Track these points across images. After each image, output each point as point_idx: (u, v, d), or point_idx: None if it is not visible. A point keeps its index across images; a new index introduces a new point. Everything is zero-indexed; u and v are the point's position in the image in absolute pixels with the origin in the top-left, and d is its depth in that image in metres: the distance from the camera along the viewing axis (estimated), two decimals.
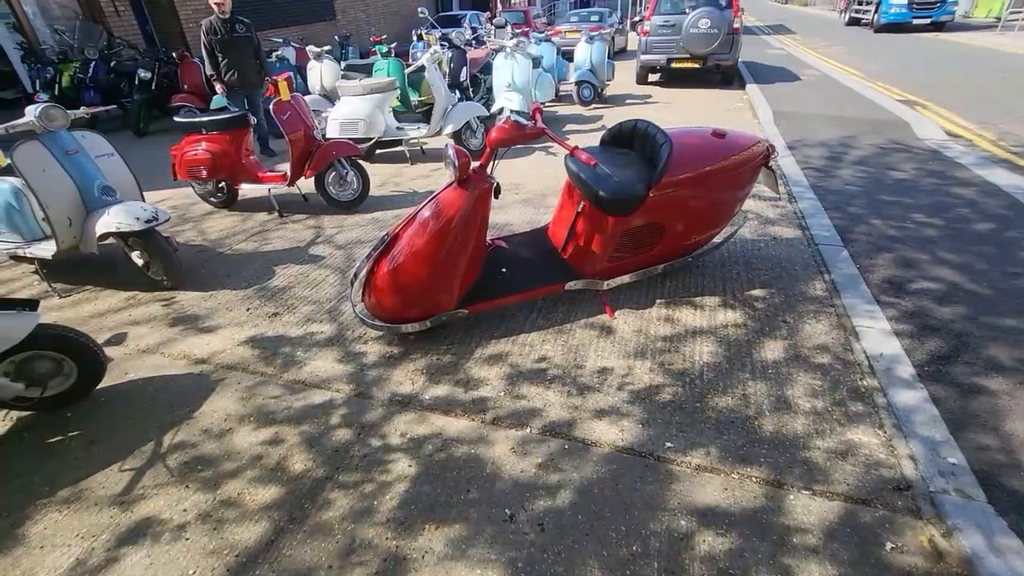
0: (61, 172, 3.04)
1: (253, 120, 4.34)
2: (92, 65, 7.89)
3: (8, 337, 2.06)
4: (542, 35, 8.39)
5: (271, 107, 4.07)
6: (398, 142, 5.82)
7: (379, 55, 6.40)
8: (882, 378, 2.27)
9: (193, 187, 4.64)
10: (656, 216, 2.69)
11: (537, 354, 2.55)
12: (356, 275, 2.63)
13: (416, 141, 5.98)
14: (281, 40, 8.89)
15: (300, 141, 4.23)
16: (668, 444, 2.00)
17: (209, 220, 4.52)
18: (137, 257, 3.22)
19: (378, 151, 6.11)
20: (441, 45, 6.72)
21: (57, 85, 8.02)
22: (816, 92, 8.51)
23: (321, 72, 6.95)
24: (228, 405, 2.33)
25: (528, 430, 2.10)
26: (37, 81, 8.16)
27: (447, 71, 6.51)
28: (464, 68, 6.67)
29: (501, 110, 6.28)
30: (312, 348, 2.69)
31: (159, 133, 7.88)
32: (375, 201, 4.69)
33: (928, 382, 2.26)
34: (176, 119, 4.35)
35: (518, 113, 2.45)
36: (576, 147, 2.39)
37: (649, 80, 10.32)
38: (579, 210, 2.83)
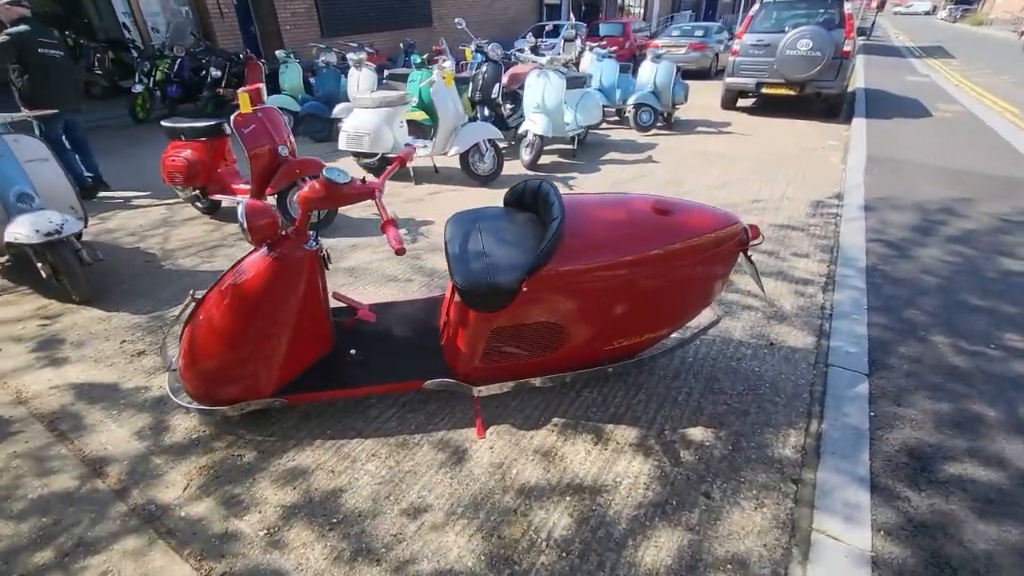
0: None
1: (228, 130, 4.17)
2: (179, 62, 8.52)
3: None
4: (605, 51, 7.59)
5: (232, 119, 3.85)
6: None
7: (415, 66, 6.08)
8: None
9: (176, 192, 4.60)
10: (544, 315, 1.96)
11: (350, 477, 1.95)
12: (164, 341, 2.21)
13: (427, 158, 5.57)
14: (355, 46, 9.00)
15: (263, 157, 3.96)
16: None
17: (183, 227, 4.44)
18: (41, 269, 3.10)
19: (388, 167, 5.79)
20: (476, 58, 6.25)
21: (152, 78, 8.78)
22: (944, 133, 6.80)
23: (359, 80, 6.80)
24: None
25: None
26: (137, 74, 9.00)
27: (479, 84, 6.03)
28: (497, 84, 6.13)
29: (526, 133, 5.68)
30: (128, 410, 2.32)
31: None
32: (345, 224, 4.34)
33: None
34: (163, 123, 4.31)
35: (339, 170, 1.85)
36: (389, 221, 1.74)
37: (737, 106, 9.04)
38: (449, 293, 2.18)
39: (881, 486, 1.86)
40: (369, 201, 1.94)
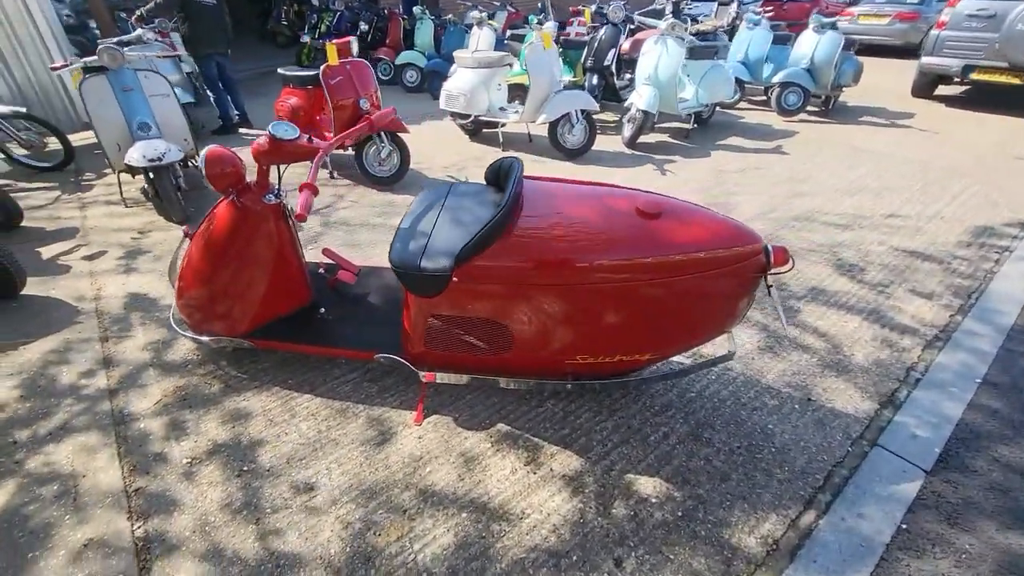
0: (115, 104, 3.57)
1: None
2: (338, 15, 9.29)
3: None
4: (758, 18, 6.49)
5: (321, 69, 4.05)
6: (497, 124, 5.32)
7: (530, 27, 5.85)
8: None
9: None
10: (483, 311, 1.74)
11: (281, 431, 1.99)
12: (171, 267, 2.42)
13: (522, 125, 5.38)
14: (498, 3, 8.97)
15: (346, 108, 4.16)
16: None
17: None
18: (147, 188, 3.63)
19: (484, 130, 5.73)
20: (599, 21, 5.79)
21: (317, 30, 9.73)
22: None
23: (479, 39, 6.74)
24: None
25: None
26: (307, 25, 10.04)
27: (593, 49, 5.59)
28: (613, 50, 5.62)
29: (631, 106, 5.16)
30: (155, 324, 2.64)
31: None
32: (415, 180, 4.41)
33: None
34: (278, 71, 4.71)
35: (287, 126, 1.79)
36: (308, 185, 1.61)
37: (935, 94, 7.20)
38: None
39: None
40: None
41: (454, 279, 1.66)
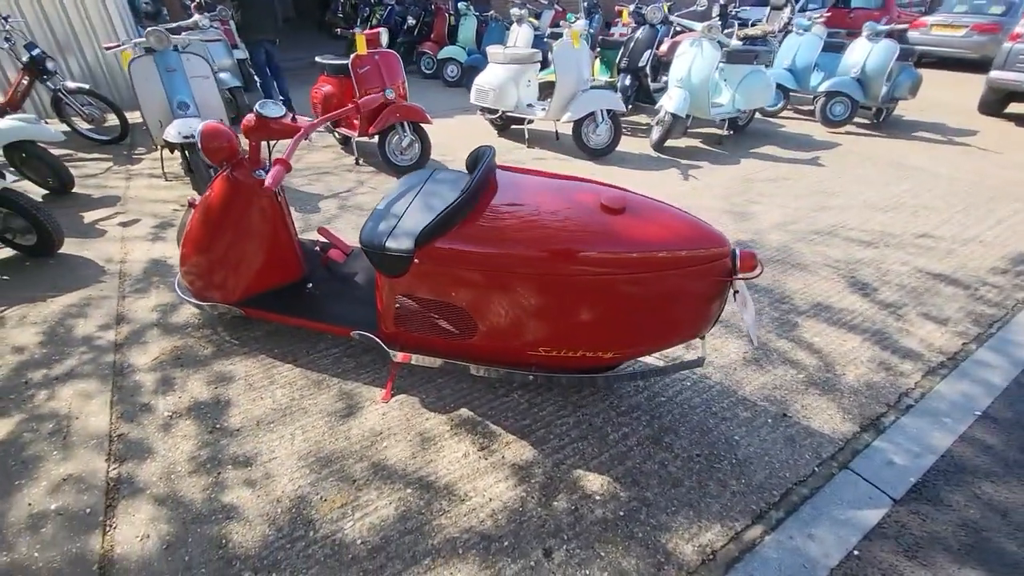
0: (159, 84, 3.83)
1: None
2: (389, 9, 9.56)
3: None
4: (808, 23, 6.22)
5: (351, 59, 4.19)
6: (524, 120, 5.34)
7: (569, 24, 5.83)
8: None
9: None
10: (444, 294, 1.77)
11: (257, 396, 2.09)
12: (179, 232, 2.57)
13: (551, 123, 5.38)
14: (545, 2, 8.99)
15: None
16: None
17: (316, 153, 5.12)
18: (181, 164, 3.88)
19: (513, 126, 5.77)
20: (636, 22, 5.71)
21: (368, 23, 10.03)
22: None
23: (517, 36, 6.77)
24: None
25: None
26: (359, 18, 10.37)
27: (628, 49, 5.52)
28: (649, 51, 5.52)
29: (659, 109, 5.07)
30: (165, 288, 2.82)
31: (411, 73, 9.13)
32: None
33: None
34: (316, 59, 4.91)
35: (274, 104, 1.87)
36: (282, 160, 1.69)
37: (1005, 112, 6.68)
38: None
39: None
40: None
41: (416, 260, 1.70)
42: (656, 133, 5.07)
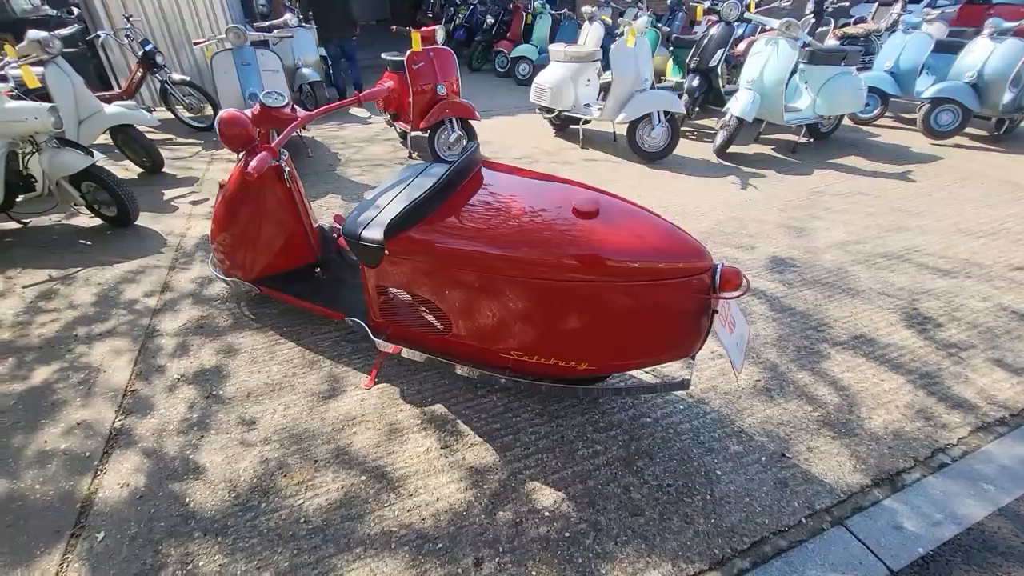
0: (234, 77, 4.19)
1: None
2: (471, 9, 9.77)
3: (72, 165, 3.17)
4: (918, 20, 5.50)
5: (406, 55, 4.32)
6: (580, 120, 5.22)
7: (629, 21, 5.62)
8: None
9: (381, 115, 5.49)
10: (414, 287, 1.77)
11: (255, 369, 2.22)
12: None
13: (609, 124, 5.22)
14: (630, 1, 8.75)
15: (425, 93, 4.39)
16: None
17: (376, 145, 5.32)
18: None
19: (572, 126, 5.67)
20: (710, 19, 5.37)
21: (453, 22, 10.33)
22: None
23: (588, 34, 6.61)
24: None
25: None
26: (444, 17, 10.69)
27: (700, 48, 5.21)
28: (722, 50, 5.16)
29: (726, 112, 4.73)
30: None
31: (487, 71, 9.30)
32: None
33: None
34: (382, 55, 5.12)
35: (276, 95, 1.95)
36: (271, 148, 1.73)
37: None
38: None
39: None
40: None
41: (386, 251, 1.71)
42: (720, 138, 4.74)
